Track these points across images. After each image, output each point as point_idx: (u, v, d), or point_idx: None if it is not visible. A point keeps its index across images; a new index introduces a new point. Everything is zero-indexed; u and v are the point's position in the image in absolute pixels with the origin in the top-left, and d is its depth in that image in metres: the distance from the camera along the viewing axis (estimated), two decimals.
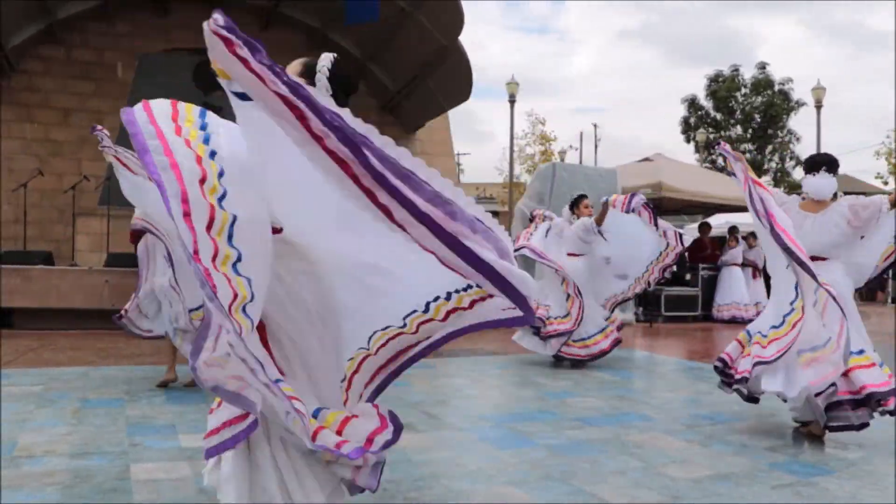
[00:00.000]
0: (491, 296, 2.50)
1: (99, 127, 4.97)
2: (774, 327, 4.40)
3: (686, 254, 15.05)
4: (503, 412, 5.20)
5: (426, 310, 2.58)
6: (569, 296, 7.19)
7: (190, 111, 2.38)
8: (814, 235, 4.62)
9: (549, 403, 5.41)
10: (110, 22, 13.66)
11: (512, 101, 16.71)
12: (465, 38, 13.07)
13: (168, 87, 14.23)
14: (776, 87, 32.44)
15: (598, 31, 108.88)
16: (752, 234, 14.19)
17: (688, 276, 13.87)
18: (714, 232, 15.03)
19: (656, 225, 7.19)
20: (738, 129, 33.26)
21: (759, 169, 32.51)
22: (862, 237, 4.72)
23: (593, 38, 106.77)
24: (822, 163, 4.78)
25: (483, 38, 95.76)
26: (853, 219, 4.62)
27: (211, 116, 2.47)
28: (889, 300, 19.20)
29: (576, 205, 7.53)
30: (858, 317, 4.58)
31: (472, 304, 2.55)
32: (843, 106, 62.40)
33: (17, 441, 3.95)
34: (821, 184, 4.71)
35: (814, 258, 4.37)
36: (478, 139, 78.63)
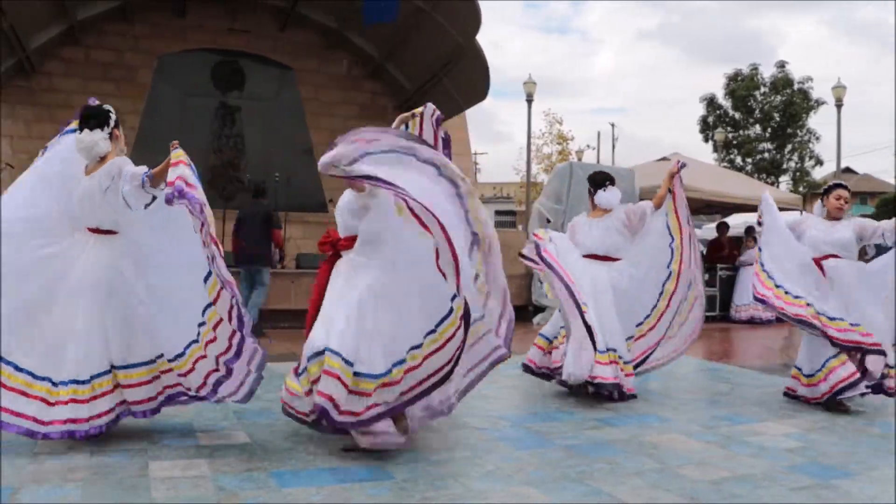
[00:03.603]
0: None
1: None
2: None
3: (704, 254, 15.06)
4: (521, 412, 5.19)
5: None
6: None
7: None
8: (601, 238, 5.68)
9: (567, 403, 5.39)
10: (129, 23, 13.74)
11: (529, 101, 16.67)
12: (484, 38, 13.08)
13: (186, 87, 14.37)
14: (796, 86, 32.13)
15: (619, 31, 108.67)
16: None
17: (706, 277, 13.77)
18: (732, 232, 14.93)
19: None
20: (757, 129, 32.98)
21: (778, 168, 32.26)
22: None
23: (614, 38, 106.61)
24: (606, 179, 5.82)
25: (503, 38, 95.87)
26: (628, 222, 5.68)
27: None
28: None
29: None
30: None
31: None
32: (865, 105, 61.86)
33: None
34: (610, 197, 5.75)
35: (602, 258, 5.65)
36: (496, 139, 78.74)
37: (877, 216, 29.82)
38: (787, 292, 5.38)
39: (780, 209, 16.06)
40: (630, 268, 5.73)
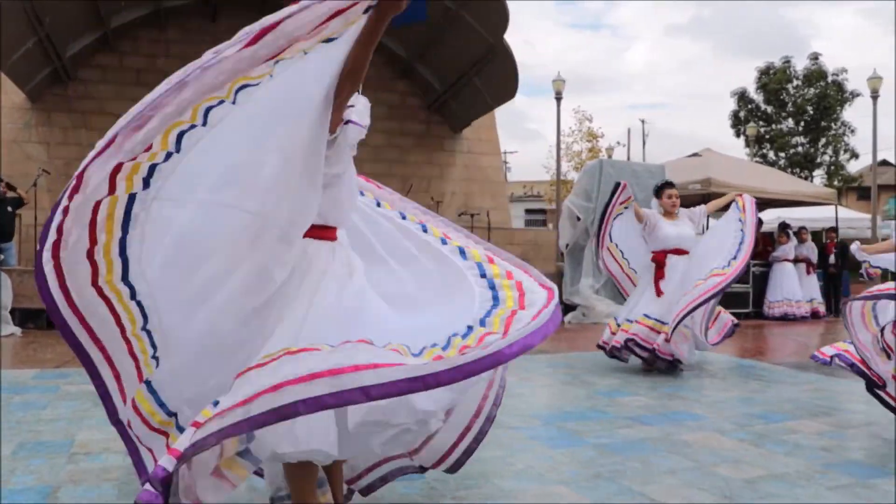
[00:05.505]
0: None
1: None
2: None
3: None
4: (553, 411, 5.18)
5: (446, 345, 2.36)
6: None
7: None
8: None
9: (600, 402, 5.37)
10: (162, 29, 13.95)
11: (558, 99, 16.59)
12: (517, 36, 13.12)
13: None
14: (830, 79, 31.65)
15: (652, 27, 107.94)
16: (804, 229, 13.99)
17: None
18: (765, 227, 14.78)
19: None
20: (790, 122, 32.55)
21: (811, 162, 31.80)
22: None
23: (646, 33, 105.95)
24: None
25: (535, 36, 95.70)
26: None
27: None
28: None
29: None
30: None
31: (482, 338, 2.36)
32: None
33: (74, 438, 4.06)
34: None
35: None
36: (527, 137, 78.57)
37: None
38: None
39: (814, 204, 16.14)
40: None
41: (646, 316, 6.54)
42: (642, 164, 14.58)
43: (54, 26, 11.36)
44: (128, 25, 13.47)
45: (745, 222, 6.78)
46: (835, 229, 15.16)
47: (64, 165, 13.14)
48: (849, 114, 32.48)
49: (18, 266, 10.41)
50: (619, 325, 6.75)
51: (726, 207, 7.14)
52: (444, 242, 2.89)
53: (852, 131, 31.91)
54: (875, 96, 18.14)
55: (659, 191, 7.02)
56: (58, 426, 4.35)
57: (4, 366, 6.58)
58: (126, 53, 13.91)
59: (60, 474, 3.43)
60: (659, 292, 6.62)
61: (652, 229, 6.79)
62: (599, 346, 6.89)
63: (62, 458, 3.67)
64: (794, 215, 17.07)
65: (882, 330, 4.17)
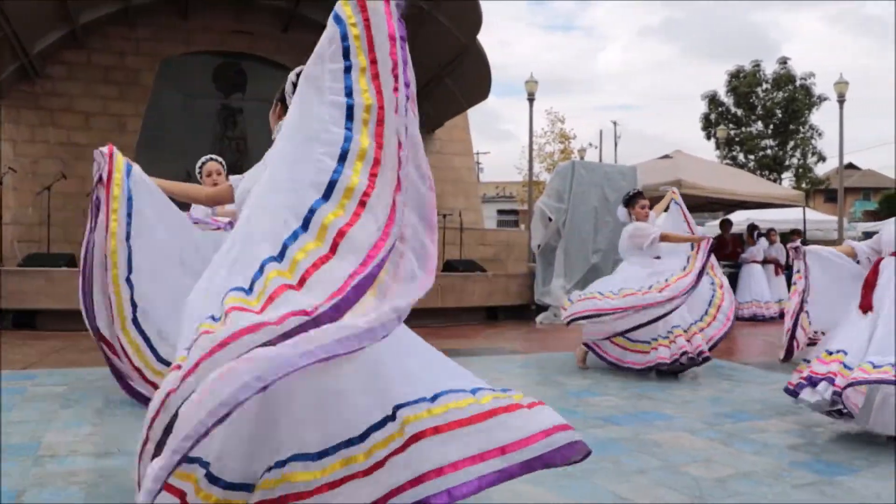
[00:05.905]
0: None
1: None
2: None
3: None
4: None
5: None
6: None
7: None
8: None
9: (570, 402, 5.39)
10: (131, 26, 13.77)
11: (531, 100, 16.63)
12: (489, 37, 13.14)
13: (188, 89, 14.33)
14: (798, 83, 32.07)
15: (625, 28, 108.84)
16: (773, 231, 14.16)
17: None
18: (735, 229, 14.96)
19: None
20: (759, 125, 32.93)
21: (780, 165, 32.20)
22: None
23: (619, 34, 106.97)
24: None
25: (508, 36, 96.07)
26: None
27: None
28: None
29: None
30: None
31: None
32: (869, 101, 61.73)
33: (41, 440, 3.99)
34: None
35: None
36: (500, 138, 78.86)
37: (880, 212, 29.69)
38: None
39: (783, 206, 16.31)
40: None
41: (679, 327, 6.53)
42: (614, 166, 14.67)
43: (20, 22, 11.18)
44: (97, 22, 13.26)
45: (689, 223, 7.65)
46: (797, 231, 15.33)
47: (31, 164, 12.95)
48: (816, 117, 32.91)
49: None
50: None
51: (666, 208, 7.81)
52: None
53: (820, 135, 32.34)
54: (841, 100, 18.40)
55: (631, 201, 6.99)
56: (24, 428, 4.28)
57: None
58: (95, 50, 13.72)
59: (26, 477, 3.37)
60: None
61: (653, 242, 6.79)
62: (657, 369, 6.49)
63: (28, 460, 3.62)
64: (763, 217, 17.29)
65: None
